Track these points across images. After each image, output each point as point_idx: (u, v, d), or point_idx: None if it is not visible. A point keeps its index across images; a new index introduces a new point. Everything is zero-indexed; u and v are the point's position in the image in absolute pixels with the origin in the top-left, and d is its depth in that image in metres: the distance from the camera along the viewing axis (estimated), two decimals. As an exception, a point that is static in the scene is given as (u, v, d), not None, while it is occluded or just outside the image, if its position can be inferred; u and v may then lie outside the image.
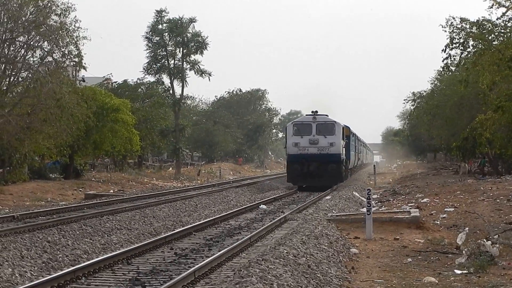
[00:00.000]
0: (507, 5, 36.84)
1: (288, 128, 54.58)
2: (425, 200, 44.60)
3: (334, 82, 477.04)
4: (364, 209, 29.98)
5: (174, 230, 28.19)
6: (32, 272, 19.29)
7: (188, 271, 17.95)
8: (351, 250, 24.09)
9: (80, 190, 55.06)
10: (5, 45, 51.15)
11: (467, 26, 42.14)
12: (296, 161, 51.66)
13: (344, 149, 57.70)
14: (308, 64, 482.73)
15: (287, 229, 28.87)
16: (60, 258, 21.82)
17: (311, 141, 51.59)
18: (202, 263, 19.67)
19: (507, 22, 37.89)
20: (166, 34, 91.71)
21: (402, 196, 49.55)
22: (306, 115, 61.16)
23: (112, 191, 57.00)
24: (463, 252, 22.49)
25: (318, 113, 55.65)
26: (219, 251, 22.35)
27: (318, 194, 49.05)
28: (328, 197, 47.13)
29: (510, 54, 32.73)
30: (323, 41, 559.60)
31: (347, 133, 61.86)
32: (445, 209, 37.83)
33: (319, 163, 50.46)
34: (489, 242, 23.19)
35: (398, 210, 35.68)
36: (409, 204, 40.41)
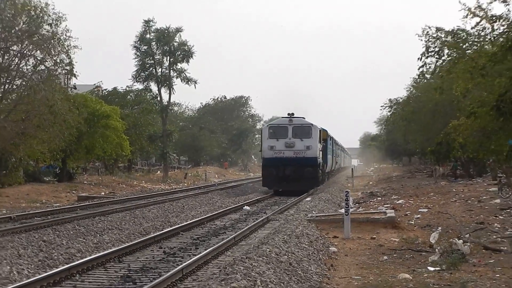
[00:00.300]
0: (481, 15, 37.06)
1: (264, 131, 51.41)
2: (400, 201, 44.83)
3: (313, 89, 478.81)
4: (343, 210, 30.07)
5: (162, 230, 28.26)
6: (29, 270, 19.38)
7: (176, 269, 18.16)
8: (330, 248, 24.26)
9: (73, 193, 54.86)
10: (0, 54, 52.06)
11: (442, 35, 42.28)
12: (272, 165, 48.41)
13: (321, 152, 54.80)
14: (288, 71, 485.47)
15: (270, 229, 28.96)
16: (55, 257, 21.91)
17: (287, 144, 48.40)
18: (189, 261, 19.88)
19: (480, 32, 37.86)
20: (154, 43, 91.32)
21: (379, 198, 49.65)
22: (282, 117, 59.02)
23: (103, 193, 56.86)
24: (436, 250, 22.87)
25: (294, 116, 53.54)
26: (206, 249, 22.59)
27: (299, 196, 47.84)
28: (308, 199, 46.96)
29: (483, 63, 32.86)
30: (302, 52, 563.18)
31: (324, 137, 59.89)
32: (419, 210, 38.12)
33: (295, 166, 47.54)
34: (461, 241, 23.55)
35: (374, 211, 35.79)
36: (385, 205, 40.53)
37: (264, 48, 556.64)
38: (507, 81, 29.09)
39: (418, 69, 43.94)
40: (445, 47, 42.33)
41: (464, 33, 40.70)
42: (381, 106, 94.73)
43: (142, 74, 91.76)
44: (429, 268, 19.89)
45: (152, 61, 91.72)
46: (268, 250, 20.46)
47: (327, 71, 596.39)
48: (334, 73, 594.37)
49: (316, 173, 50.42)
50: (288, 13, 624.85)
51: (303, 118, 50.92)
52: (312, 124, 50.46)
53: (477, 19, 37.99)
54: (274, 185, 49.47)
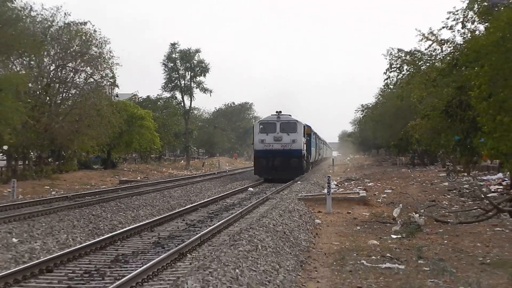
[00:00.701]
0: (432, 39, 37.59)
1: (255, 127, 48.26)
2: (370, 184, 44.96)
3: (302, 93, 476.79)
4: (325, 191, 29.95)
5: (185, 206, 28.27)
6: (81, 237, 19.65)
7: (196, 236, 18.38)
8: (315, 221, 24.33)
9: (116, 177, 55.09)
10: (58, 69, 51.64)
11: (402, 55, 42.99)
12: (262, 156, 45.40)
13: (305, 145, 51.00)
14: (280, 79, 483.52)
15: (268, 206, 28.84)
16: (102, 227, 22.15)
17: (275, 138, 45.51)
18: (205, 230, 20.13)
19: (432, 52, 38.47)
20: (178, 61, 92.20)
21: (353, 182, 49.56)
22: (271, 114, 55.11)
23: (139, 178, 56.93)
24: (398, 222, 23.15)
25: (282, 113, 50.89)
26: (218, 221, 22.72)
27: (298, 178, 47.28)
28: (299, 182, 46.57)
29: (434, 76, 33.14)
30: (292, 65, 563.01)
31: (308, 132, 56.26)
32: (385, 191, 38.27)
33: (283, 157, 44.64)
34: (417, 215, 23.97)
35: (350, 192, 35.85)
36: (359, 187, 40.49)
37: (261, 61, 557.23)
38: (453, 90, 29.23)
39: (384, 81, 45.02)
40: (405, 64, 43.13)
41: (419, 53, 41.24)
42: (355, 110, 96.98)
43: (169, 85, 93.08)
44: (392, 236, 20.02)
45: (177, 75, 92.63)
46: (267, 222, 20.45)
47: (314, 79, 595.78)
48: (320, 82, 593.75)
49: (301, 163, 47.80)
50: (281, 35, 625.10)
51: (289, 115, 48.51)
52: (297, 121, 47.86)
53: (430, 42, 38.52)
54: (264, 174, 47.00)
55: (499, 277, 13.47)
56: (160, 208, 29.26)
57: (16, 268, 14.06)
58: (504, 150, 22.31)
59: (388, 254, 16.42)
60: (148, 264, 14.38)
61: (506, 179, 36.78)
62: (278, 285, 12.63)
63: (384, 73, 42.63)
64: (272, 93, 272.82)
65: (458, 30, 32.21)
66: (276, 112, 49.44)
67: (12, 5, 34.47)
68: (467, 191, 36.15)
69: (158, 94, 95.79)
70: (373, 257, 16.19)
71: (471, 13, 26.32)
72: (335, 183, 45.56)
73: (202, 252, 16.95)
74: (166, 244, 18.42)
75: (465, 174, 45.30)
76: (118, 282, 12.50)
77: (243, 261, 13.71)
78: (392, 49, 42.98)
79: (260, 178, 48.86)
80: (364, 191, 35.49)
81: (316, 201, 30.64)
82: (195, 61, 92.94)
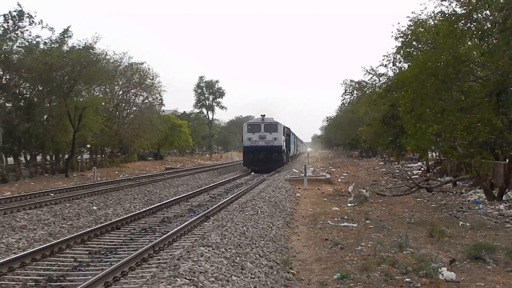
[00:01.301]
0: (372, 73, 38.42)
1: (244, 127, 43.19)
2: (333, 170, 44.81)
3: (286, 103, 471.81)
4: (303, 174, 29.89)
5: (209, 185, 28.19)
6: (139, 206, 19.77)
7: (216, 204, 18.56)
8: (296, 194, 24.36)
9: (163, 165, 54.90)
10: (124, 94, 52.06)
11: (353, 84, 43.95)
12: (250, 151, 40.78)
13: (285, 142, 45.49)
14: (267, 91, 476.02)
15: (265, 184, 28.72)
16: (153, 199, 22.19)
17: (260, 137, 40.86)
18: (223, 200, 20.45)
19: (373, 82, 39.57)
20: (204, 88, 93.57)
21: (322, 168, 49.20)
22: (257, 118, 51.50)
23: (178, 166, 56.83)
24: (351, 195, 23.23)
25: (265, 116, 46.17)
26: (231, 195, 22.74)
27: (279, 169, 43.66)
28: (284, 169, 45.95)
29: (375, 98, 33.50)
30: (277, 81, 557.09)
31: (288, 133, 50.35)
32: (343, 174, 38.37)
33: (266, 152, 39.91)
34: (364, 190, 24.36)
35: (319, 175, 35.61)
36: (326, 172, 40.19)
37: (253, 77, 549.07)
38: (387, 107, 29.43)
39: (341, 101, 47.63)
40: (355, 90, 44.44)
41: (364, 82, 41.93)
42: (323, 120, 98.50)
43: (198, 104, 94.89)
44: (348, 204, 20.07)
45: (203, 97, 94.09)
46: (264, 195, 20.46)
47: (294, 92, 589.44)
48: (299, 94, 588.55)
49: (281, 157, 42.70)
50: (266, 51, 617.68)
51: (272, 118, 43.50)
52: (278, 122, 42.66)
53: (371, 75, 39.36)
54: (251, 165, 41.48)
55: (420, 231, 13.62)
56: (193, 186, 29.21)
57: (96, 226, 14.16)
58: (422, 146, 22.47)
59: (345, 217, 16.49)
60: (184, 224, 14.46)
61: (423, 166, 37.29)
62: (272, 237, 12.62)
63: (341, 96, 45.57)
64: (261, 101, 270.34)
65: (390, 67, 32.52)
66: (261, 115, 45.87)
67: (94, 51, 34.79)
68: (398, 174, 36.53)
69: (191, 110, 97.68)
70: (335, 218, 16.23)
71: (398, 56, 26.41)
72: (310, 169, 45.68)
73: (220, 215, 16.96)
74: (196, 210, 18.45)
75: (396, 162, 45.34)
76: (164, 236, 12.58)
77: (248, 221, 13.77)
78: (346, 79, 44.59)
79: (248, 169, 43.65)
80: (329, 174, 35.35)
81: (296, 181, 30.70)
82: (215, 88, 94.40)
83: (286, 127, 48.24)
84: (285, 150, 48.27)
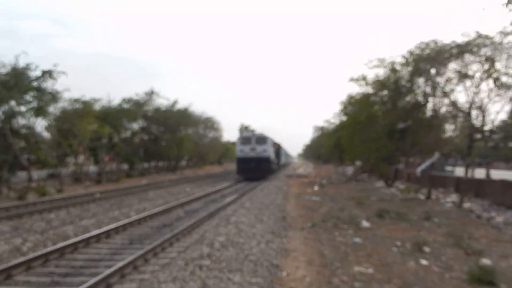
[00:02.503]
0: (327, 122, 41.42)
1: (237, 141, 36.76)
2: (309, 170, 48.34)
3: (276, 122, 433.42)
4: (294, 172, 32.21)
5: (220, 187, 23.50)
6: (210, 189, 20.51)
7: (250, 189, 18.88)
8: (289, 182, 25.76)
9: (223, 167, 56.34)
10: (204, 131, 51.48)
11: (318, 128, 46.17)
12: (242, 161, 34.47)
13: (274, 154, 38.56)
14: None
15: (272, 179, 29.02)
16: (218, 183, 23.03)
17: (251, 149, 35.12)
18: (247, 190, 19.89)
19: (328, 126, 42.24)
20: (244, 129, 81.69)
21: (308, 171, 52.15)
22: (249, 132, 46.28)
23: (229, 168, 55.21)
24: (317, 183, 24.79)
25: (255, 131, 39.41)
26: (257, 184, 23.36)
27: (270, 176, 34.76)
28: (281, 172, 47.52)
29: (329, 134, 37.46)
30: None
31: (278, 147, 43.69)
32: (317, 173, 40.64)
33: (256, 162, 33.99)
34: (325, 180, 26.05)
35: (303, 173, 38.01)
36: (307, 171, 43.33)
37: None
38: (336, 139, 32.85)
39: (313, 136, 48.98)
40: (320, 130, 46.13)
41: (325, 126, 44.38)
42: (310, 138, 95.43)
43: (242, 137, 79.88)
44: (315, 188, 21.56)
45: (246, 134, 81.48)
46: (271, 184, 22.20)
47: (282, 113, 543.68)
48: (289, 115, 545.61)
49: (269, 166, 35.63)
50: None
51: (262, 133, 36.59)
52: (267, 136, 35.78)
53: (328, 123, 41.97)
54: (243, 174, 33.77)
55: (351, 202, 14.89)
56: (233, 178, 29.88)
57: (188, 199, 15.23)
58: (353, 158, 25.20)
59: (314, 195, 17.64)
60: (231, 198, 15.41)
61: (353, 168, 38.29)
62: (277, 204, 13.82)
63: (312, 133, 45.44)
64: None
65: (339, 118, 34.37)
66: (252, 130, 36.80)
67: (188, 111, 40.03)
68: (341, 172, 38.10)
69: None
70: (308, 195, 17.40)
71: (341, 112, 28.57)
72: (298, 171, 47.64)
73: (250, 194, 18.00)
74: (238, 190, 18.88)
75: (341, 166, 47.84)
76: (221, 204, 13.54)
77: (265, 196, 15.20)
78: (316, 125, 45.82)
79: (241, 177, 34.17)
80: (307, 173, 37.28)
81: (290, 176, 32.15)
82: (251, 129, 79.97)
83: (276, 142, 40.92)
84: (275, 160, 41.16)
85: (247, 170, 32.36)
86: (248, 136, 35.23)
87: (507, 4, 8.48)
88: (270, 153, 33.87)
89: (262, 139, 33.87)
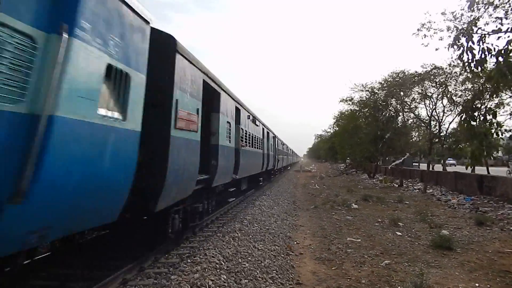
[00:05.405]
0: (324, 132, 40.02)
1: None
2: (315, 167, 46.22)
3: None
4: (301, 169, 31.06)
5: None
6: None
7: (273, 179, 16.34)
8: (297, 176, 25.05)
9: None
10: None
11: (317, 135, 44.88)
12: None
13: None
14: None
15: (285, 173, 27.19)
16: None
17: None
18: (267, 184, 16.23)
19: (325, 134, 40.60)
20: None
21: (311, 167, 49.82)
22: None
23: None
24: (319, 176, 24.03)
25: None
26: (278, 175, 19.91)
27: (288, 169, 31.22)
28: (290, 169, 44.26)
29: (327, 138, 35.52)
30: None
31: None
32: (320, 170, 39.40)
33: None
34: (324, 174, 25.07)
35: (308, 168, 37.21)
36: (311, 167, 42.21)
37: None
38: (331, 144, 30.75)
39: (314, 141, 48.24)
40: (319, 137, 44.72)
41: (323, 134, 42.95)
42: (312, 143, 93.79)
43: None
44: (317, 179, 21.04)
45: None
46: (285, 177, 21.46)
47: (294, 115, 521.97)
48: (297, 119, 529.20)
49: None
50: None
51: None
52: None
53: (324, 132, 40.42)
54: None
55: (344, 190, 14.46)
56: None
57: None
58: (344, 157, 23.72)
59: (316, 184, 17.30)
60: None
61: (345, 165, 36.72)
62: (289, 192, 13.44)
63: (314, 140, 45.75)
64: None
65: (333, 128, 33.19)
66: None
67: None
68: (335, 168, 37.10)
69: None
70: (312, 184, 17.15)
71: (334, 124, 27.84)
72: (304, 168, 49.15)
73: (269, 185, 16.84)
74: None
75: (335, 164, 46.44)
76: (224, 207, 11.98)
77: (280, 186, 14.81)
78: (316, 134, 44.77)
79: None
80: (312, 169, 36.61)
81: (298, 171, 31.40)
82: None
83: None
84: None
85: None
86: None
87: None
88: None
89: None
